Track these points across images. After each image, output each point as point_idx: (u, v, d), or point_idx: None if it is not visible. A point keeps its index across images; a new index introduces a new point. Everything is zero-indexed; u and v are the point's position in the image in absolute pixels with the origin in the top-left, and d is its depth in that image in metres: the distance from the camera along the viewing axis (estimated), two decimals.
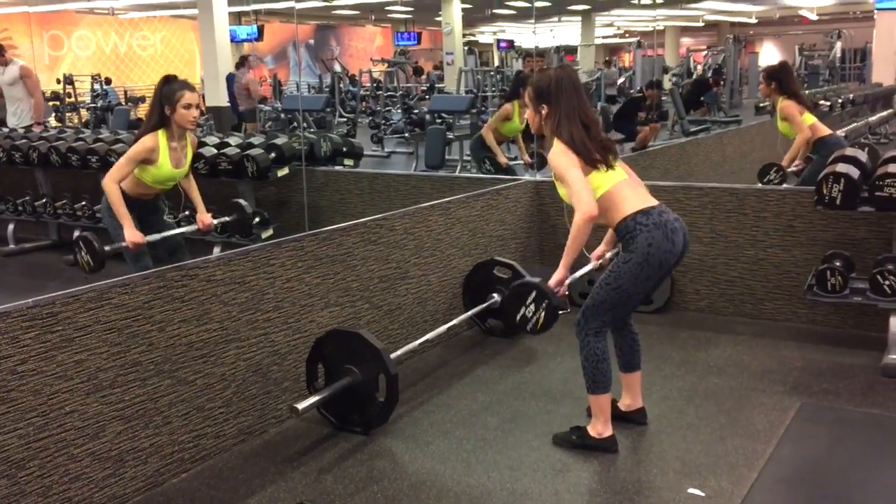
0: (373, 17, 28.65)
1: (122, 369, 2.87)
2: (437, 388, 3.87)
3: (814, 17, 28.19)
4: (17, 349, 2.58)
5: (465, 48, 20.67)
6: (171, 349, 3.05)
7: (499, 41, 25.39)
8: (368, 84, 17.46)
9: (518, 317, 3.12)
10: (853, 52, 22.62)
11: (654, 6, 23.69)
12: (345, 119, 15.36)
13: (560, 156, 3.02)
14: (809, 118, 5.52)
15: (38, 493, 2.65)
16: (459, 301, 4.59)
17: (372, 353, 3.33)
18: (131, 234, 4.09)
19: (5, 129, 8.07)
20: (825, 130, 5.58)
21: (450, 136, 10.48)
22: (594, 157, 3.03)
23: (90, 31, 24.37)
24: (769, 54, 34.45)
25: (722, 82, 16.43)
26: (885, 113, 12.30)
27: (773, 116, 5.86)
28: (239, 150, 6.02)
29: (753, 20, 30.18)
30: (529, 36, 29.86)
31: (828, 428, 3.38)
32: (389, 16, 27.33)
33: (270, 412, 3.47)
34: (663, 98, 12.88)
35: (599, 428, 3.18)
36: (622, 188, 3.07)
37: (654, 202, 3.08)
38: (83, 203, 6.70)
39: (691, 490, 2.90)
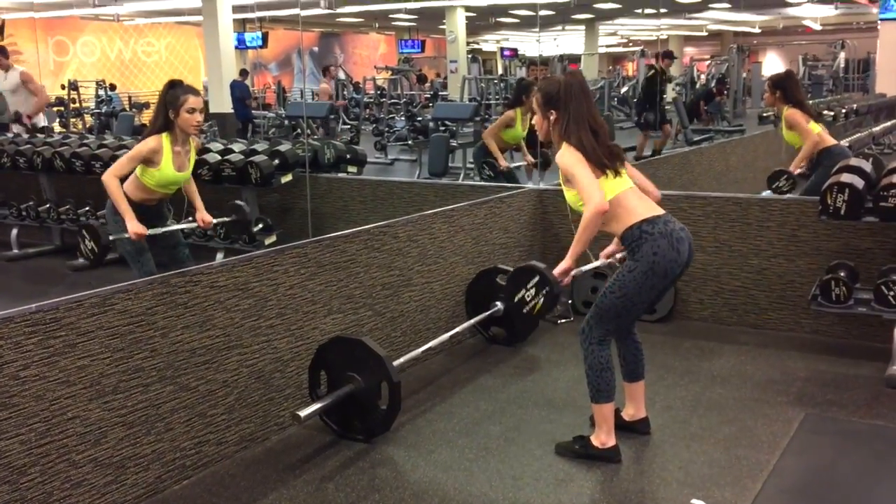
0: (377, 25, 28.72)
1: (124, 375, 2.87)
2: (440, 397, 3.86)
3: (817, 27, 28.22)
4: (20, 354, 2.57)
5: (469, 56, 20.73)
6: (174, 355, 3.04)
7: (502, 49, 25.45)
8: (372, 91, 17.50)
9: (517, 298, 3.12)
10: (857, 62, 22.63)
11: (657, 16, 23.73)
12: (348, 126, 15.39)
13: (568, 155, 3.03)
14: (815, 127, 5.52)
15: (40, 500, 2.64)
16: (462, 309, 4.58)
17: (374, 360, 3.32)
18: (134, 226, 4.11)
19: (10, 135, 8.09)
20: (830, 140, 5.57)
21: (453, 143, 10.49)
22: (603, 161, 3.03)
23: (95, 38, 24.45)
24: (772, 64, 34.47)
25: (725, 92, 16.45)
26: (888, 123, 12.30)
27: (778, 126, 5.86)
28: (243, 157, 6.03)
29: (757, 30, 30.20)
30: (533, 44, 29.92)
31: (832, 439, 3.36)
32: (393, 24, 27.40)
33: (272, 419, 3.46)
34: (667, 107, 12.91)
35: (603, 438, 3.16)
36: (628, 196, 3.07)
37: (660, 211, 3.07)
38: (87, 208, 6.71)
39: (695, 501, 2.88)
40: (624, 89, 20.65)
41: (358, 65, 29.14)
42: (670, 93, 18.15)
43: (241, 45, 17.85)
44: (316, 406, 3.28)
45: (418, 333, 4.29)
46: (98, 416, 2.79)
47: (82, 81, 18.50)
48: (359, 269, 3.88)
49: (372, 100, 17.03)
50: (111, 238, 4.29)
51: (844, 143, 7.38)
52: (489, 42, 33.42)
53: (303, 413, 3.19)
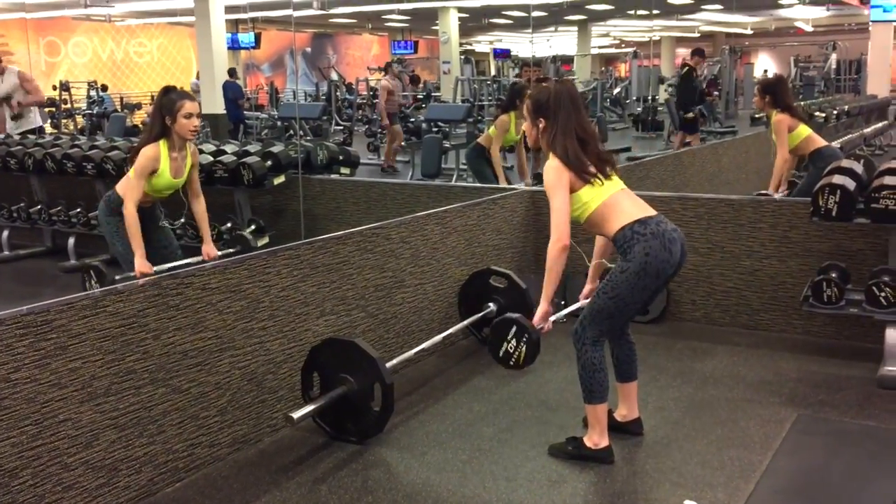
0: (370, 26, 28.71)
1: (116, 377, 2.86)
2: (433, 398, 3.86)
3: (809, 28, 28.33)
4: (11, 357, 2.56)
5: (462, 57, 20.74)
6: (166, 357, 3.03)
7: (495, 50, 25.46)
8: (365, 92, 17.49)
9: (501, 353, 3.16)
10: (848, 63, 22.72)
11: (650, 17, 23.77)
12: (341, 127, 15.38)
13: (551, 173, 3.05)
14: (805, 130, 5.54)
15: (31, 503, 2.62)
16: (455, 310, 4.58)
17: (367, 362, 3.32)
18: (141, 265, 4.14)
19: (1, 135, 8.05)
20: (820, 142, 5.59)
21: (446, 144, 10.50)
22: (587, 170, 3.05)
23: (87, 38, 24.37)
24: (764, 65, 34.57)
25: (717, 93, 16.49)
26: (880, 124, 12.35)
27: (769, 129, 5.88)
28: (235, 158, 6.02)
29: (749, 31, 30.30)
30: (526, 45, 29.96)
31: (824, 439, 3.37)
32: (386, 24, 27.40)
33: (265, 421, 3.45)
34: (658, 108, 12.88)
35: (595, 438, 3.17)
36: (619, 198, 3.08)
37: (651, 212, 3.08)
38: (78, 210, 6.69)
39: (687, 501, 2.89)
40: (616, 90, 20.70)
41: (351, 66, 29.12)
42: (662, 94, 18.20)
43: (235, 46, 17.83)
44: (309, 408, 3.27)
45: (411, 335, 4.28)
46: (90, 418, 2.78)
47: (74, 82, 18.45)
48: (352, 270, 3.88)
49: (365, 101, 17.02)
50: (117, 279, 4.30)
51: (836, 144, 7.41)
52: (482, 43, 33.43)
53: (296, 415, 3.19)
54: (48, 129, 10.99)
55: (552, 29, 26.87)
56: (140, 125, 13.95)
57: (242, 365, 3.34)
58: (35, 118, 8.49)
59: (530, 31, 19.98)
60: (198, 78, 16.19)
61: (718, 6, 22.56)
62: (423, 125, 12.19)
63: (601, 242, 3.41)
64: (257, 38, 18.54)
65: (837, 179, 4.16)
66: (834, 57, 21.74)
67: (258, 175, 5.86)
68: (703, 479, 3.03)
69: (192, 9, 14.28)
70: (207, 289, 3.18)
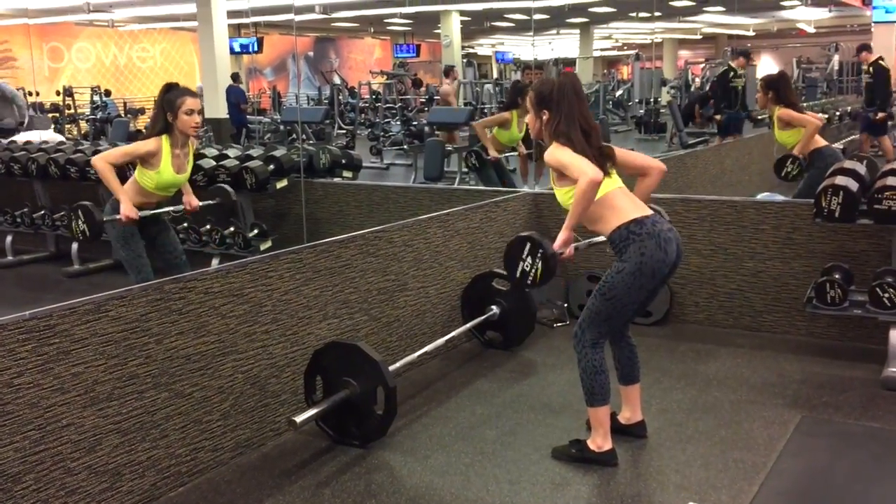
0: (372, 30, 28.74)
1: (119, 382, 2.86)
2: (436, 401, 3.86)
3: (811, 29, 28.30)
4: (14, 362, 2.56)
5: (464, 60, 20.74)
6: (169, 362, 3.03)
7: (498, 55, 25.48)
8: (367, 96, 17.50)
9: (518, 273, 3.13)
10: (851, 64, 22.68)
11: (652, 19, 23.77)
12: (344, 131, 15.39)
13: (556, 149, 3.04)
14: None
15: None
16: (458, 313, 4.58)
17: (370, 365, 3.32)
18: (126, 209, 4.14)
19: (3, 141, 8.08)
20: (821, 142, 5.58)
21: (448, 148, 10.49)
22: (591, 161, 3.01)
23: (90, 43, 24.43)
24: (767, 67, 34.53)
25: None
26: None
27: (771, 127, 5.86)
28: (238, 162, 6.03)
29: (751, 33, 30.29)
30: (528, 48, 29.96)
31: (828, 441, 3.36)
32: (389, 28, 27.42)
33: (268, 425, 3.45)
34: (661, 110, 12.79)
35: (599, 441, 3.16)
36: (617, 196, 3.07)
37: (648, 211, 3.08)
38: None
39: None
40: (619, 93, 20.69)
41: (353, 69, 29.15)
42: (665, 96, 18.20)
43: (244, 50, 17.84)
44: (312, 412, 3.27)
45: (414, 338, 4.28)
46: (93, 423, 2.78)
47: (77, 87, 18.48)
48: (354, 274, 3.88)
49: (367, 104, 17.03)
50: (105, 220, 4.32)
51: (839, 145, 7.40)
52: (484, 46, 33.45)
53: (298, 419, 3.18)
54: (51, 133, 10.93)
55: (554, 32, 26.89)
56: (143, 130, 13.96)
57: (245, 369, 3.34)
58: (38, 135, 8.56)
59: (532, 34, 20.00)
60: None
61: (720, 8, 22.56)
62: (426, 128, 12.18)
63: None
64: (260, 42, 18.55)
65: (840, 180, 4.15)
66: (836, 58, 21.71)
67: (261, 179, 5.86)
68: (707, 482, 3.03)
69: (194, 14, 14.31)
70: (210, 293, 3.18)
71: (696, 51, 34.42)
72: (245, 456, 3.33)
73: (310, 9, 18.44)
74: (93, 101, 17.28)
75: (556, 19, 23.28)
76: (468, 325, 4.39)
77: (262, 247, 5.70)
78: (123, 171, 5.63)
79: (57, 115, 16.61)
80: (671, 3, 20.37)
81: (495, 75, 23.92)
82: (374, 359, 3.31)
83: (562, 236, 3.09)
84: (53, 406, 2.66)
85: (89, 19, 21.86)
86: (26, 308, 2.65)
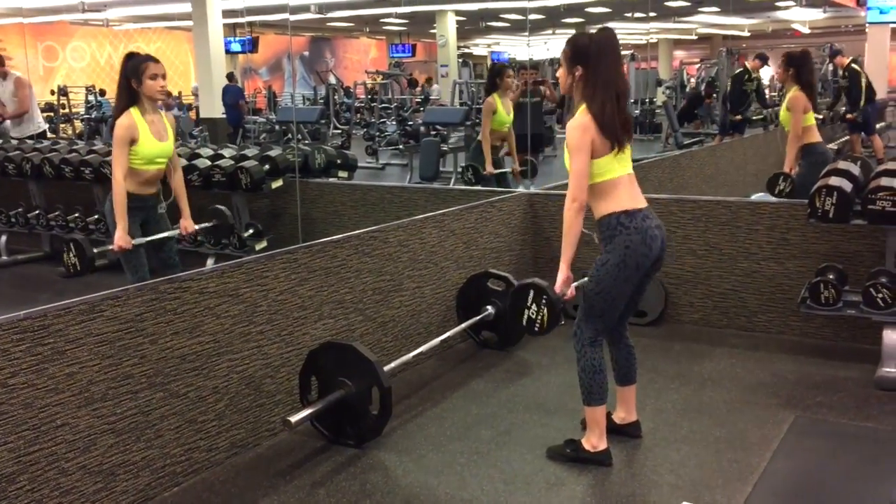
0: (367, 30, 28.73)
1: (113, 382, 2.86)
2: (431, 401, 3.86)
3: (806, 30, 28.37)
4: (8, 362, 2.56)
5: (460, 60, 20.74)
6: (164, 362, 3.03)
7: (493, 55, 25.48)
8: (363, 96, 17.49)
9: (524, 320, 3.11)
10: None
11: (647, 19, 23.80)
12: (339, 131, 15.38)
13: (577, 132, 2.98)
14: (810, 119, 5.54)
15: None
16: (453, 313, 4.58)
17: (365, 365, 3.32)
18: (120, 237, 4.12)
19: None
20: (816, 137, 5.60)
21: (444, 147, 10.50)
22: (617, 134, 2.99)
23: (85, 43, 24.38)
24: (762, 67, 34.53)
25: (714, 95, 16.50)
26: (877, 126, 12.33)
27: (769, 129, 5.88)
28: (233, 163, 6.02)
29: (746, 33, 30.34)
30: (524, 48, 29.97)
31: (822, 441, 3.37)
32: (384, 28, 27.42)
33: (263, 425, 3.45)
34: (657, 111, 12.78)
35: (594, 441, 3.17)
36: (623, 182, 3.07)
37: (642, 204, 3.09)
38: (76, 214, 6.68)
39: (685, 503, 2.89)
40: None
41: (349, 69, 29.14)
42: (660, 96, 18.21)
43: (243, 50, 17.80)
44: (307, 412, 3.27)
45: (409, 338, 4.28)
46: (87, 423, 2.78)
47: (72, 87, 18.45)
48: (349, 274, 3.88)
49: (363, 104, 17.02)
50: (96, 252, 4.32)
51: (834, 146, 7.42)
52: (480, 46, 33.46)
53: (294, 419, 3.18)
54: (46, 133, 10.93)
55: (550, 32, 26.89)
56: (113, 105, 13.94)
57: (240, 369, 3.34)
58: (38, 123, 8.52)
59: (527, 34, 20.08)
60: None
61: (715, 8, 22.60)
62: (422, 128, 12.19)
63: None
64: (255, 42, 18.53)
65: (834, 181, 4.16)
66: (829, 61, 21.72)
67: (256, 179, 5.86)
68: (701, 482, 3.03)
69: (189, 13, 14.29)
70: (205, 293, 3.18)
71: (691, 51, 34.47)
72: (240, 456, 3.33)
73: (305, 8, 18.42)
74: (87, 101, 17.25)
75: (551, 19, 23.30)
76: (463, 326, 4.39)
77: (258, 247, 5.71)
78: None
79: (52, 114, 16.57)
80: (666, 3, 20.40)
81: None
82: (368, 359, 3.32)
83: (561, 275, 3.07)
84: (48, 406, 2.66)
85: (84, 18, 21.81)
86: (21, 308, 2.65)
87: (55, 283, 6.45)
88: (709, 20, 26.07)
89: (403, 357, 3.86)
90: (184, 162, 5.25)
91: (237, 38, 18.31)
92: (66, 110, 17.45)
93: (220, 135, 13.66)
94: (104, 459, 2.83)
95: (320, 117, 13.77)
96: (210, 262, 5.69)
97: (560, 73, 3.12)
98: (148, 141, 4.15)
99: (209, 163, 6.09)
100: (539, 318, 3.08)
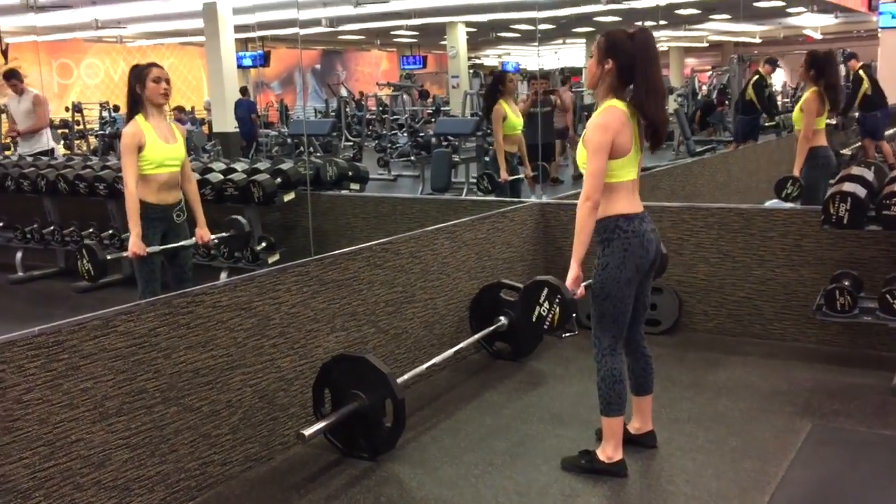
0: (378, 42, 28.85)
1: (127, 397, 2.87)
2: (445, 413, 3.85)
3: (818, 36, 28.26)
4: (23, 378, 2.57)
5: (471, 71, 20.79)
6: (177, 376, 3.04)
7: (503, 66, 25.52)
8: (374, 108, 17.55)
9: (534, 317, 3.11)
10: None
11: (657, 27, 23.78)
12: (351, 143, 15.44)
13: (598, 132, 2.97)
14: (821, 122, 5.49)
15: None
16: (466, 324, 4.57)
17: (378, 377, 3.31)
18: (134, 244, 4.16)
19: (14, 157, 8.14)
20: (821, 141, 5.56)
21: (455, 158, 10.52)
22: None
23: (99, 59, 24.61)
24: (774, 73, 34.41)
25: (727, 102, 16.46)
26: (890, 131, 12.26)
27: (781, 135, 5.84)
28: (245, 176, 6.05)
29: (758, 40, 30.26)
30: (534, 58, 30.00)
31: (839, 450, 3.34)
32: (395, 40, 27.53)
33: (277, 438, 3.45)
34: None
35: (609, 452, 3.15)
36: (627, 187, 3.08)
37: (639, 209, 3.11)
38: (90, 230, 6.73)
39: None
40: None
41: (360, 81, 29.26)
42: (673, 104, 18.16)
43: (254, 64, 17.90)
44: (320, 425, 3.27)
45: (422, 350, 4.28)
46: (102, 438, 2.78)
47: (86, 103, 18.61)
48: (361, 286, 3.88)
49: (374, 116, 17.07)
50: (109, 258, 4.34)
51: (847, 151, 7.37)
52: (490, 57, 33.53)
53: (307, 432, 3.18)
54: (60, 150, 11.00)
55: (560, 41, 26.92)
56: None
57: (254, 382, 3.34)
58: (47, 140, 8.57)
59: (537, 44, 20.14)
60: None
61: (726, 16, 22.55)
62: (433, 139, 12.21)
63: None
64: (266, 56, 18.64)
65: (848, 187, 4.14)
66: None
67: (268, 192, 5.88)
68: (718, 492, 3.01)
69: (201, 29, 14.39)
70: (217, 307, 3.19)
71: (702, 59, 34.42)
72: (254, 470, 3.33)
73: (316, 22, 18.52)
74: (101, 117, 17.39)
75: (561, 29, 23.32)
76: (476, 337, 4.38)
77: (271, 260, 5.72)
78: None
79: (66, 130, 16.72)
80: (677, 11, 20.37)
81: None
82: (382, 371, 3.31)
83: (571, 273, 3.06)
84: (63, 422, 2.67)
85: (98, 35, 22.02)
86: (36, 324, 2.66)
87: (70, 298, 6.49)
88: (720, 27, 26.02)
89: (417, 369, 3.85)
90: (197, 176, 5.29)
91: (249, 53, 18.41)
92: (81, 127, 17.59)
93: (232, 149, 13.74)
94: (119, 474, 2.84)
95: (332, 130, 13.83)
96: (223, 276, 5.71)
97: (590, 63, 3.07)
98: (155, 144, 4.21)
99: (222, 177, 6.12)
100: (550, 315, 3.08)
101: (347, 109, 17.20)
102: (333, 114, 18.12)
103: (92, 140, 17.20)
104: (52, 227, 7.01)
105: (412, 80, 20.13)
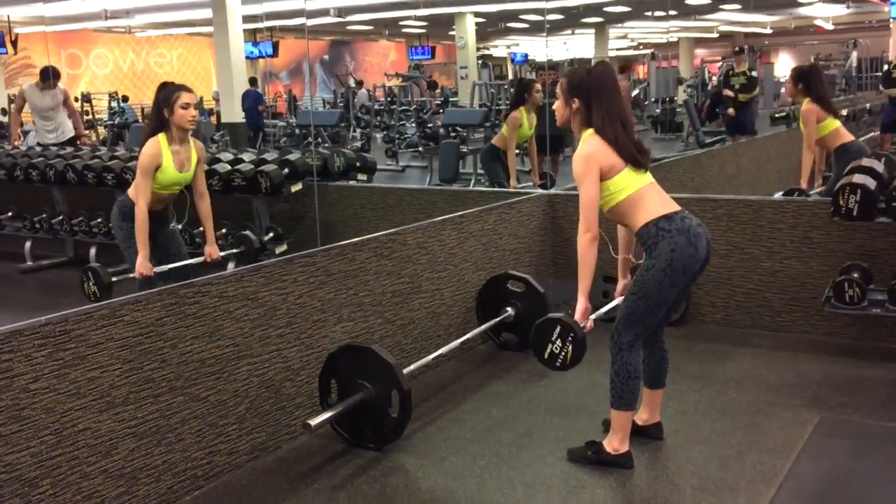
0: (387, 33, 28.78)
1: (134, 386, 2.87)
2: (451, 403, 3.85)
3: (829, 26, 28.07)
4: (30, 367, 2.58)
5: (479, 62, 20.73)
6: (184, 366, 3.04)
7: (513, 56, 25.45)
8: (383, 98, 17.54)
9: (546, 354, 3.07)
10: (869, 61, 22.48)
11: (667, 18, 23.65)
12: (359, 134, 15.43)
13: (580, 163, 3.00)
14: (833, 122, 5.37)
15: None
16: (473, 315, 4.57)
17: (385, 368, 3.31)
18: (141, 265, 4.17)
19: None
20: (847, 137, 5.43)
21: (464, 149, 10.49)
22: (634, 156, 3.02)
23: (108, 50, 24.66)
24: (784, 64, 34.25)
25: None
26: None
27: (797, 120, 5.77)
28: (252, 167, 6.05)
29: (768, 30, 30.07)
30: (543, 49, 29.91)
31: (848, 442, 3.32)
32: (403, 31, 27.46)
33: (283, 428, 3.46)
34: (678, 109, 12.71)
35: (616, 444, 3.14)
36: (648, 192, 3.05)
37: (676, 207, 3.06)
38: (99, 220, 6.74)
39: None
40: (635, 92, 20.60)
41: (368, 72, 29.23)
42: (681, 95, 18.10)
43: (262, 54, 17.92)
44: (327, 415, 3.27)
45: (429, 340, 4.28)
46: (109, 427, 2.79)
47: (95, 93, 18.68)
48: (368, 276, 3.88)
49: (383, 107, 17.06)
50: (114, 280, 4.37)
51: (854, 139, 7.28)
52: (499, 47, 33.43)
53: (314, 422, 3.19)
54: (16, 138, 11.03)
55: (569, 32, 26.81)
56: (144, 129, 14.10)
57: (260, 372, 3.34)
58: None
59: (545, 34, 20.04)
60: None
61: (737, 6, 22.40)
62: (441, 130, 12.19)
63: (623, 234, 3.37)
64: (275, 46, 18.63)
65: (858, 178, 4.11)
66: (855, 55, 21.53)
67: (275, 183, 5.88)
68: (725, 484, 3.00)
69: (210, 19, 14.38)
70: (224, 297, 3.19)
71: (712, 49, 34.24)
72: (261, 459, 3.34)
73: (325, 12, 18.49)
74: (110, 107, 17.44)
75: (570, 19, 23.22)
76: (483, 327, 4.38)
77: (278, 250, 5.72)
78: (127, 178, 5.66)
79: None
80: (687, 1, 20.25)
81: (510, 76, 23.88)
82: (388, 361, 3.31)
83: (580, 306, 3.04)
84: (69, 411, 2.68)
85: (107, 26, 22.04)
86: (44, 313, 2.67)
87: (78, 288, 6.50)
88: (730, 17, 25.84)
89: (423, 359, 3.85)
90: (205, 167, 5.27)
91: (257, 43, 18.41)
92: (90, 117, 17.65)
93: (240, 139, 13.75)
94: (126, 463, 2.85)
95: (340, 120, 13.82)
96: (230, 266, 5.71)
97: (557, 105, 3.18)
98: (169, 170, 4.23)
99: (229, 167, 6.12)
100: (563, 354, 3.03)
101: (355, 100, 17.19)
102: (341, 104, 18.13)
103: (101, 130, 17.23)
104: (60, 217, 7.02)
105: (420, 71, 20.09)
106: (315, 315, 3.59)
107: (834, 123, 5.41)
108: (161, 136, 4.20)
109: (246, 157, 6.48)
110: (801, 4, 23.28)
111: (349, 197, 6.21)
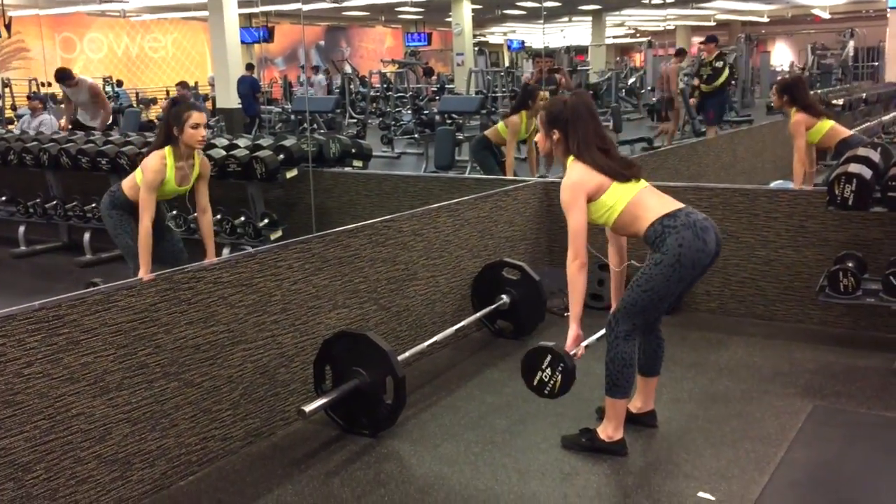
0: (383, 18, 28.69)
1: (128, 372, 2.87)
2: (446, 390, 3.86)
3: (826, 15, 28.06)
4: (24, 352, 2.57)
5: (476, 49, 20.67)
6: (178, 351, 3.04)
7: (510, 43, 25.37)
8: (378, 85, 17.47)
9: (535, 381, 3.09)
10: (866, 50, 22.47)
11: (664, 6, 23.61)
12: (355, 120, 15.38)
13: (567, 191, 3.05)
14: (826, 124, 5.39)
15: (45, 496, 2.64)
16: (468, 302, 4.57)
17: (379, 355, 3.31)
18: (144, 273, 4.14)
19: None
20: (845, 132, 5.47)
21: (460, 136, 10.49)
22: (622, 173, 3.06)
23: (102, 34, 24.52)
24: (781, 53, 34.23)
25: (733, 82, 16.35)
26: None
27: (788, 125, 5.80)
28: (248, 152, 6.03)
29: (765, 19, 30.04)
30: (540, 36, 29.83)
31: (840, 431, 3.34)
32: (399, 17, 27.36)
33: (278, 414, 3.46)
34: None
35: (610, 431, 3.15)
36: (645, 196, 3.07)
37: (678, 205, 3.06)
38: (93, 205, 6.72)
39: (701, 494, 2.87)
40: (631, 80, 20.58)
41: (364, 58, 29.14)
42: (679, 83, 18.05)
43: (256, 39, 17.84)
44: (321, 401, 3.28)
45: (424, 327, 4.28)
46: (102, 412, 2.79)
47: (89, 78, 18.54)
48: (363, 263, 3.88)
49: (378, 94, 17.00)
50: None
51: (853, 132, 7.29)
52: (496, 34, 33.33)
53: (308, 408, 3.19)
54: (63, 123, 10.93)
55: (566, 19, 26.74)
56: (155, 120, 14.03)
57: (255, 358, 3.34)
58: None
59: (542, 21, 19.98)
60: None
61: None
62: (437, 117, 12.16)
63: (614, 252, 3.38)
64: (270, 31, 18.53)
65: (853, 168, 4.11)
66: (851, 44, 21.52)
67: (270, 169, 5.86)
68: (718, 471, 3.01)
69: (205, 3, 14.30)
70: (219, 283, 3.18)
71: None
72: (255, 445, 3.34)
73: None
74: (105, 92, 17.33)
75: (567, 6, 23.17)
76: (478, 315, 4.38)
77: (273, 236, 5.71)
78: (134, 165, 5.65)
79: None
80: None
81: (507, 64, 23.81)
82: (383, 348, 3.31)
83: (571, 332, 3.07)
84: (63, 396, 2.67)
85: (101, 9, 21.92)
86: (38, 298, 2.66)
87: (72, 272, 6.50)
88: (727, 6, 25.81)
89: (418, 346, 3.85)
90: (200, 154, 5.25)
91: (253, 28, 18.31)
92: None
93: (235, 125, 13.70)
94: (119, 448, 2.85)
95: (336, 107, 13.77)
96: (226, 252, 5.71)
97: (538, 137, 3.25)
98: (170, 184, 4.24)
99: (224, 153, 6.10)
100: (552, 383, 3.05)
101: (352, 86, 17.12)
102: (337, 90, 18.05)
103: None
104: (54, 202, 7.00)
105: (417, 58, 20.02)
106: (310, 301, 3.59)
107: (827, 124, 5.42)
108: (168, 150, 4.18)
109: (241, 142, 6.45)
110: None
111: (345, 183, 6.20)
